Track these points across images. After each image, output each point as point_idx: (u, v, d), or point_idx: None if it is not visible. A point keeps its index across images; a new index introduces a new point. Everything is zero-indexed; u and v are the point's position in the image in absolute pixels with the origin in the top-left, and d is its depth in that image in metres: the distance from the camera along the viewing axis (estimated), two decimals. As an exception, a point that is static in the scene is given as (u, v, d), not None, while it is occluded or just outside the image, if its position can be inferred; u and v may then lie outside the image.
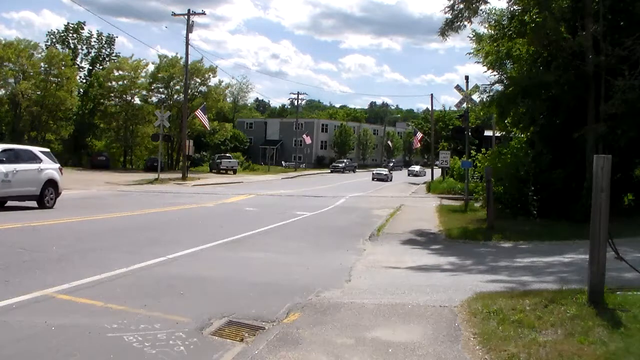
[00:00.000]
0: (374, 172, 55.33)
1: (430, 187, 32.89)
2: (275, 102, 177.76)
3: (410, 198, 26.40)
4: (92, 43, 62.04)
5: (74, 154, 54.54)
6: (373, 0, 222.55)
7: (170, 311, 5.66)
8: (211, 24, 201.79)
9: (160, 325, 5.17)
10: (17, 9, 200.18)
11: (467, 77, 22.35)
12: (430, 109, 54.33)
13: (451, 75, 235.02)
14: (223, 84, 61.56)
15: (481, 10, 15.83)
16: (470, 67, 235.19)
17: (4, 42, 48.82)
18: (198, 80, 54.54)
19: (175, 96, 53.65)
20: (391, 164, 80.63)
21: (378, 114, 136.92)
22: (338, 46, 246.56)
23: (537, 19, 15.05)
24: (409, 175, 61.85)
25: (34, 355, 4.42)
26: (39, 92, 49.23)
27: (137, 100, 54.52)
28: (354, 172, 66.03)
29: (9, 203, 14.92)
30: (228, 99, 75.44)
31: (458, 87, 22.38)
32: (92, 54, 62.37)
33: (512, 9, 16.08)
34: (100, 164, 46.11)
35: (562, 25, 14.80)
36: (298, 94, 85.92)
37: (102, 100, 54.08)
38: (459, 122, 25.14)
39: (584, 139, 14.33)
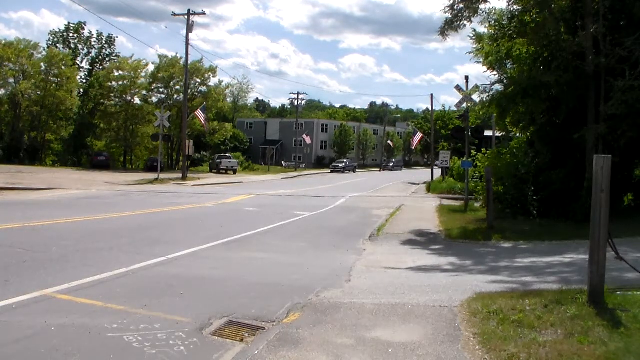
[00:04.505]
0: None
1: (430, 187, 32.83)
2: (275, 102, 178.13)
3: (410, 198, 26.39)
4: (93, 43, 62.15)
5: (74, 154, 54.64)
6: (372, 0, 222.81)
7: (170, 311, 5.66)
8: (211, 24, 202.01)
9: (160, 325, 5.17)
10: (15, 9, 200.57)
11: (467, 77, 22.32)
12: (430, 109, 54.46)
13: (451, 75, 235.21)
14: (223, 84, 61.71)
15: (481, 10, 15.81)
16: (470, 67, 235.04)
17: (4, 42, 48.92)
18: (198, 80, 54.53)
19: (175, 96, 53.65)
20: (391, 164, 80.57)
21: (378, 114, 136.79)
22: (337, 46, 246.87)
23: (537, 19, 15.05)
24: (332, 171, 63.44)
25: (34, 355, 4.42)
26: (39, 92, 49.28)
27: (137, 100, 54.58)
28: (354, 172, 65.95)
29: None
30: (228, 99, 75.44)
31: (458, 87, 22.34)
32: (93, 54, 62.49)
33: (512, 9, 16.05)
34: (101, 164, 46.10)
35: (562, 25, 14.79)
36: (298, 94, 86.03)
37: (102, 100, 54.11)
38: (459, 122, 25.13)
39: (584, 139, 14.32)
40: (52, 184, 25.04)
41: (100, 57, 62.42)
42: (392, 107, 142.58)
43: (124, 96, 53.60)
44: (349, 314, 5.61)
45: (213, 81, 57.05)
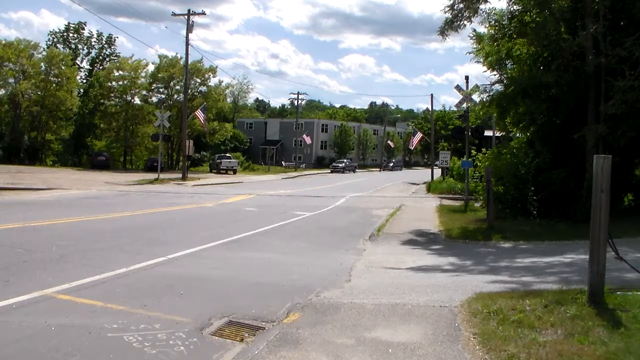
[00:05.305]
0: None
1: (430, 187, 32.82)
2: (275, 102, 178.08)
3: (410, 198, 26.38)
4: (93, 43, 62.18)
5: (74, 154, 54.63)
6: (372, 0, 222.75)
7: (170, 311, 5.66)
8: (211, 24, 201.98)
9: (160, 325, 5.17)
10: (15, 9, 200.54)
11: (467, 77, 22.32)
12: (430, 109, 54.44)
13: (451, 75, 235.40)
14: (223, 84, 61.71)
15: (481, 10, 15.80)
16: (470, 67, 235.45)
17: (4, 42, 48.92)
18: (198, 80, 54.53)
19: (175, 96, 53.64)
20: (391, 164, 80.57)
21: (378, 114, 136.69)
22: (337, 46, 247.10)
23: (537, 19, 15.03)
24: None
25: (34, 355, 4.42)
26: (39, 92, 49.28)
27: (137, 100, 54.59)
28: (354, 172, 65.93)
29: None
30: (228, 99, 75.59)
31: (458, 87, 22.33)
32: (93, 54, 62.53)
33: (512, 9, 16.05)
34: (101, 164, 46.15)
35: (562, 25, 14.78)
36: (298, 94, 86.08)
37: (102, 101, 54.11)
38: (459, 122, 25.13)
39: (584, 139, 14.32)
40: (52, 184, 25.04)
41: (100, 57, 62.45)
42: (392, 107, 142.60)
43: (124, 96, 53.60)
44: (349, 314, 5.61)
45: (213, 81, 57.18)
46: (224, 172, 48.32)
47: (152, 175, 35.04)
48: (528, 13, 15.55)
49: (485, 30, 17.21)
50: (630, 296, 5.72)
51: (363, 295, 6.59)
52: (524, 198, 15.62)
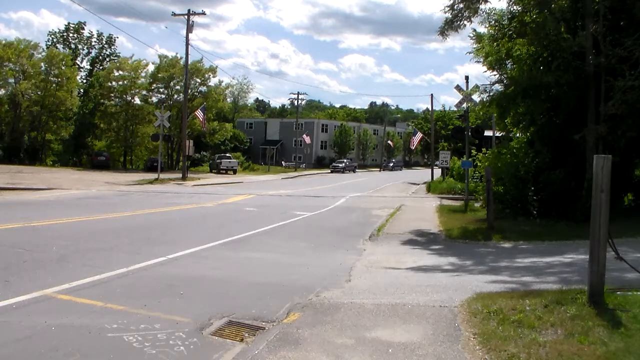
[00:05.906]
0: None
1: (430, 187, 32.82)
2: (275, 102, 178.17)
3: (410, 198, 26.38)
4: (93, 43, 62.22)
5: (74, 154, 54.66)
6: (372, 0, 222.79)
7: (170, 311, 5.66)
8: (211, 24, 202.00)
9: (160, 325, 5.18)
10: (15, 9, 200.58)
11: (467, 77, 22.31)
12: (430, 109, 54.44)
13: (451, 75, 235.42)
14: (223, 84, 61.68)
15: (481, 10, 15.81)
16: (470, 67, 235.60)
17: (4, 42, 48.93)
18: (198, 80, 54.52)
19: (175, 96, 53.64)
20: (391, 164, 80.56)
21: (378, 114, 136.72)
22: (337, 46, 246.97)
23: (537, 19, 15.04)
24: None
25: (34, 355, 4.42)
26: (39, 92, 49.29)
27: (137, 100, 54.55)
28: (354, 172, 65.93)
29: None
30: (228, 99, 75.59)
31: (458, 87, 22.32)
32: (93, 54, 62.55)
33: (512, 9, 16.06)
34: (101, 164, 46.20)
35: (562, 25, 14.78)
36: (298, 94, 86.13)
37: (102, 101, 54.11)
38: (459, 122, 25.12)
39: (584, 139, 14.32)
40: (52, 184, 25.04)
41: (100, 57, 62.47)
42: (392, 107, 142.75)
43: (124, 96, 53.58)
44: (349, 314, 5.61)
45: (213, 81, 57.14)
46: (224, 172, 48.32)
47: (152, 175, 35.04)
48: (528, 13, 15.55)
49: (485, 30, 17.22)
50: (630, 296, 5.72)
51: (363, 295, 6.59)
52: (524, 198, 15.62)
